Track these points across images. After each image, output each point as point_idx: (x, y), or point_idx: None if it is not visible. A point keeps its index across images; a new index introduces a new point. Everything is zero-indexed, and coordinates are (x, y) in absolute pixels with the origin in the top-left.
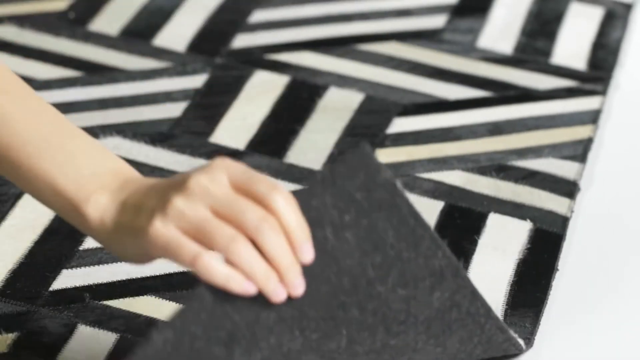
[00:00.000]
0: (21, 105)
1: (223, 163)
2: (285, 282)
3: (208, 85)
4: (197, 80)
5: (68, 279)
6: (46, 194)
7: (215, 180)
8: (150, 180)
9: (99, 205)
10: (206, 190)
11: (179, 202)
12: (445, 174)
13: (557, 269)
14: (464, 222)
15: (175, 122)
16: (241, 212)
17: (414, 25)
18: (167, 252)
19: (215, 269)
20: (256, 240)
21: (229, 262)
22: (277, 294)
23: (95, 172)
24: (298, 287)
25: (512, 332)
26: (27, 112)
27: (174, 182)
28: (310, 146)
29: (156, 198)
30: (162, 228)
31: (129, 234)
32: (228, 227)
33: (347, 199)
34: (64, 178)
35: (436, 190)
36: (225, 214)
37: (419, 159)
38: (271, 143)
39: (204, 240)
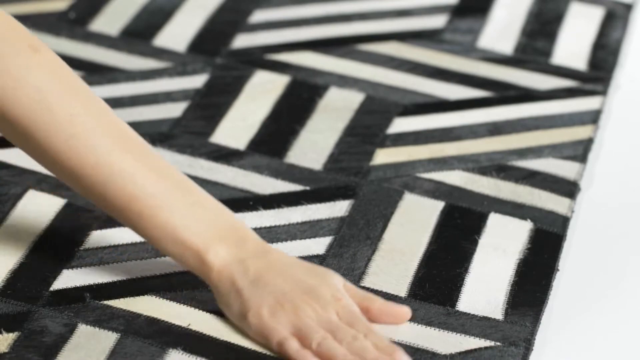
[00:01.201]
0: (145, 161)
1: (340, 293)
2: None
3: (208, 85)
4: (197, 80)
5: (68, 279)
6: (167, 242)
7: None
8: (269, 252)
9: (218, 256)
10: (328, 320)
11: (304, 314)
12: (446, 174)
13: (557, 269)
14: (464, 222)
15: (175, 122)
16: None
17: (414, 25)
18: (259, 338)
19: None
20: None
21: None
22: None
23: (214, 225)
24: None
25: None
26: (150, 168)
27: (300, 282)
28: (310, 146)
29: (275, 285)
30: (269, 318)
31: (237, 301)
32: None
33: None
34: (185, 228)
35: (436, 190)
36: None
37: (419, 159)
38: (271, 143)
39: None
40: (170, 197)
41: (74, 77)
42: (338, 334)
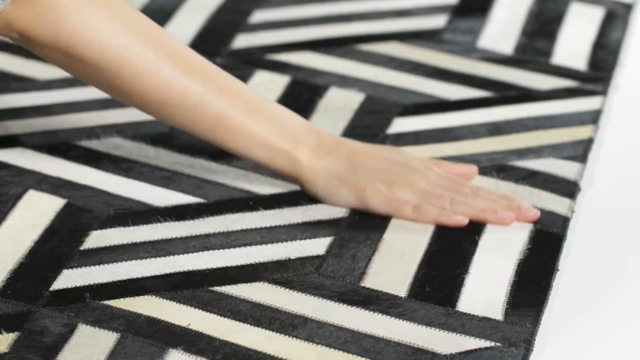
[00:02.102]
0: (224, 86)
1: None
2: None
3: None
4: None
5: (68, 279)
6: (257, 149)
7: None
8: (345, 142)
9: (306, 153)
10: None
11: (417, 183)
12: None
13: (558, 269)
14: None
15: None
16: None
17: (414, 25)
18: (389, 208)
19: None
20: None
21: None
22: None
23: (293, 128)
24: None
25: None
26: (231, 88)
27: (389, 160)
28: None
29: (371, 166)
30: (390, 192)
31: (343, 186)
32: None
33: None
34: (272, 134)
35: None
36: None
37: None
38: None
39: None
40: (253, 111)
41: (145, 20)
42: (457, 193)
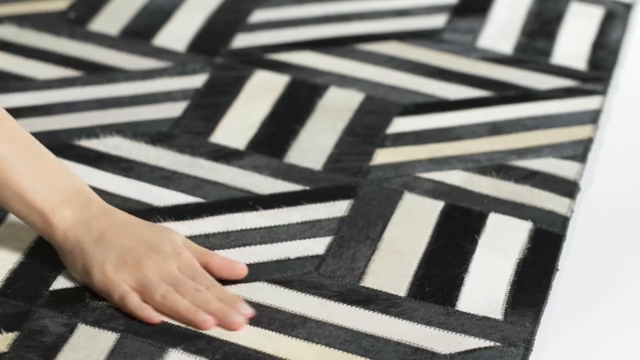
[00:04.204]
0: (12, 126)
1: (177, 250)
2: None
3: (208, 85)
4: (197, 80)
5: (68, 279)
6: (15, 204)
7: (168, 265)
8: (112, 213)
9: (64, 219)
10: (161, 271)
11: (147, 268)
12: (445, 174)
13: (557, 269)
14: (464, 222)
15: (175, 122)
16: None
17: (414, 25)
18: (102, 290)
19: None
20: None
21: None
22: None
23: (60, 189)
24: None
25: None
26: (2, 132)
27: (142, 239)
28: (310, 146)
29: (118, 243)
30: (112, 273)
31: (81, 257)
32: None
33: None
34: (33, 192)
35: (436, 190)
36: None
37: (419, 159)
38: (271, 143)
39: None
40: (20, 160)
41: None
42: (181, 287)
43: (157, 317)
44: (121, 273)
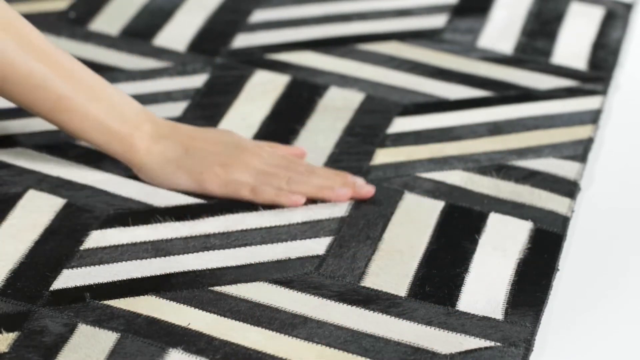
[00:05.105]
0: (70, 65)
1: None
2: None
3: (208, 85)
4: (197, 80)
5: (68, 278)
6: (96, 133)
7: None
8: (179, 126)
9: (143, 139)
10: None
11: (253, 164)
12: (446, 174)
13: (557, 269)
14: (464, 222)
15: None
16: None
17: (414, 25)
18: (227, 191)
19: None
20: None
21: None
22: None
23: (131, 114)
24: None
25: None
26: (73, 72)
27: (222, 143)
28: (310, 146)
29: (207, 149)
30: (228, 174)
31: (180, 171)
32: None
33: None
34: (112, 118)
35: (436, 190)
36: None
37: (419, 159)
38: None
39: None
40: (93, 95)
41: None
42: (293, 172)
43: (301, 199)
44: (235, 173)
